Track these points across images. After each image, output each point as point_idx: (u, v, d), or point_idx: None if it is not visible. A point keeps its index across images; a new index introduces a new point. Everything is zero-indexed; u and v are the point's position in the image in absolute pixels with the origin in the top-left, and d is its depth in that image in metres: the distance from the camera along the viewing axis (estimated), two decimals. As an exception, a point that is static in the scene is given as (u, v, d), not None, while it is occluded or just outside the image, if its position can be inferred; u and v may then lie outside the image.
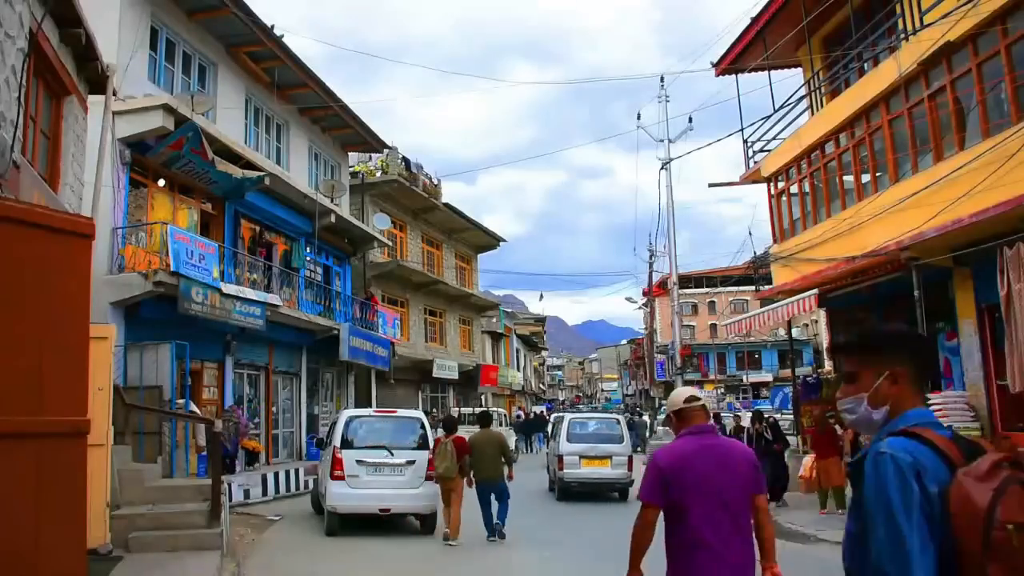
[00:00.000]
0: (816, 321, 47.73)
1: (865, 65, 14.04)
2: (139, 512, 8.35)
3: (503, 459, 10.31)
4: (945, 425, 1.90)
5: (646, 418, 35.58)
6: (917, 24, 11.70)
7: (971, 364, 11.70)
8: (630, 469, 14.76)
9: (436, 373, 28.02)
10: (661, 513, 3.27)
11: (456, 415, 20.47)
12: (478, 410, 20.46)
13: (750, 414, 17.45)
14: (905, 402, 1.86)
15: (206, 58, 16.19)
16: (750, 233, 22.96)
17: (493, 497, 10.16)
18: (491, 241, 35.10)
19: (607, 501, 14.82)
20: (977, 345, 11.56)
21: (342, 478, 10.25)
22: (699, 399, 3.51)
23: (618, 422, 16.52)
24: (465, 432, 11.24)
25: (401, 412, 12.43)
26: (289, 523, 11.60)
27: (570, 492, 14.69)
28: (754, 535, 3.29)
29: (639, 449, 33.17)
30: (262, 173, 15.14)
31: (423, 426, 11.14)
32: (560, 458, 14.70)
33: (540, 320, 63.11)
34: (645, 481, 3.33)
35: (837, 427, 12.58)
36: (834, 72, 14.76)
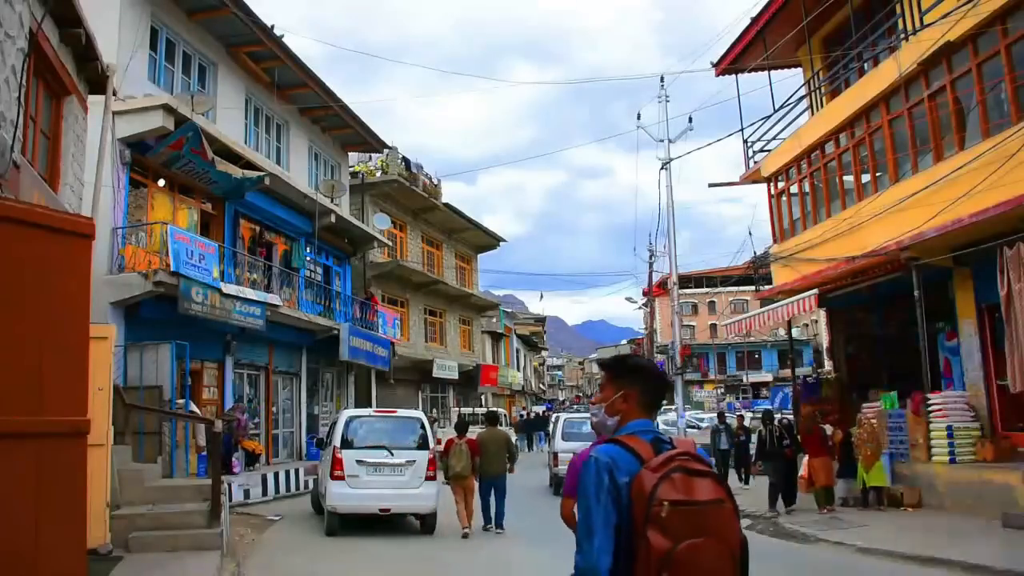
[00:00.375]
0: (816, 321, 47.74)
1: (865, 65, 14.04)
2: (139, 512, 8.34)
3: (507, 456, 11.02)
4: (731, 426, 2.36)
5: None
6: (917, 24, 11.70)
7: (971, 364, 11.70)
8: None
9: (436, 373, 28.02)
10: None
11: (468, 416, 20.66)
12: (485, 410, 20.89)
13: (740, 414, 17.40)
14: (631, 415, 2.40)
15: (206, 58, 16.19)
16: (750, 233, 22.87)
17: (493, 491, 10.86)
18: (491, 241, 35.10)
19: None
20: (977, 345, 11.56)
21: (342, 478, 10.24)
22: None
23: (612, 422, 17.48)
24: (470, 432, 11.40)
25: (401, 412, 12.42)
26: (289, 523, 11.60)
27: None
28: None
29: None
30: (262, 173, 15.14)
31: (423, 426, 11.14)
32: (555, 455, 15.43)
33: (540, 320, 63.13)
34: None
35: (827, 427, 12.60)
36: (834, 72, 14.76)
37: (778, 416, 15.25)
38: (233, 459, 13.76)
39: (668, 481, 2.07)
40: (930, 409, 11.46)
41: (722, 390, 56.35)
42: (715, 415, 21.97)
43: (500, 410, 29.12)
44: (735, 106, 16.99)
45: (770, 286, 17.28)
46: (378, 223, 23.48)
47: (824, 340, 33.81)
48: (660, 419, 34.34)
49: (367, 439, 10.74)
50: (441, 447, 11.35)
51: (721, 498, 2.15)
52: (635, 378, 2.45)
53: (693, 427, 29.41)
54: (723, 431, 16.80)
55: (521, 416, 37.65)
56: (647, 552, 2.04)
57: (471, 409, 26.65)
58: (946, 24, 10.54)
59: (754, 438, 19.70)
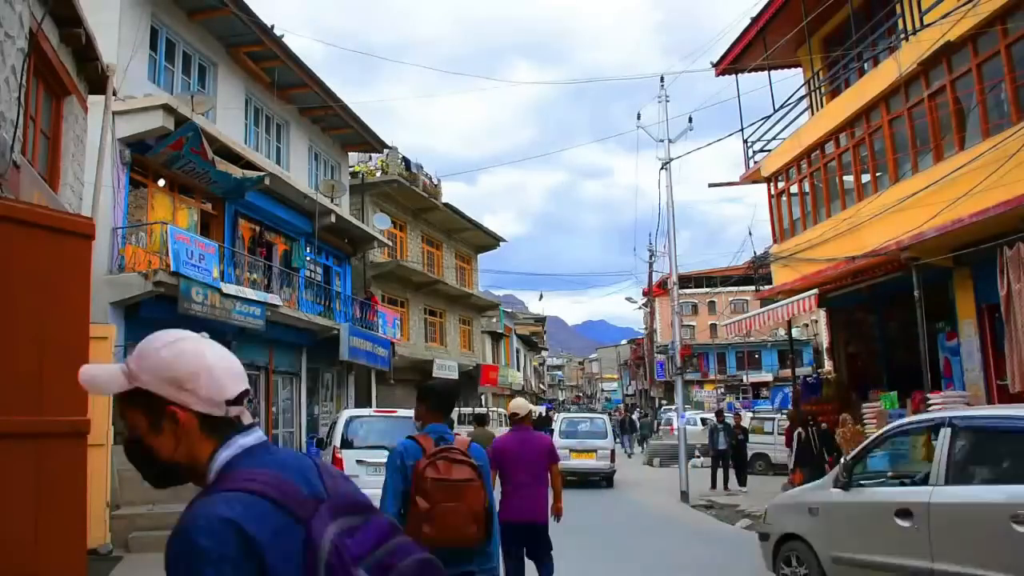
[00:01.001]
0: (816, 321, 47.70)
1: (865, 65, 14.04)
2: (139, 512, 8.35)
3: None
4: None
5: (634, 418, 36.08)
6: (917, 24, 11.69)
7: (971, 364, 11.70)
8: (612, 461, 17.67)
9: (436, 373, 27.99)
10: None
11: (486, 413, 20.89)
12: (477, 410, 20.99)
13: (738, 413, 17.30)
14: (428, 421, 3.59)
15: (206, 58, 16.19)
16: (750, 233, 22.93)
17: None
18: (491, 241, 35.10)
19: (594, 487, 17.25)
20: (977, 345, 11.56)
21: (342, 478, 10.22)
22: (519, 413, 5.81)
23: (604, 421, 19.06)
24: (463, 431, 11.48)
25: (401, 412, 12.41)
26: (289, 523, 11.58)
27: (563, 482, 15.37)
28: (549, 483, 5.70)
29: (642, 447, 33.28)
30: (262, 173, 15.14)
31: (423, 426, 11.13)
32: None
33: (540, 320, 63.12)
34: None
35: (823, 424, 12.67)
36: (834, 72, 14.76)
37: (816, 418, 13.96)
38: None
39: (432, 465, 3.31)
40: (930, 409, 11.46)
41: (722, 390, 56.30)
42: (713, 414, 21.88)
43: (500, 410, 29.21)
44: (735, 106, 17.01)
45: (770, 286, 17.27)
46: (378, 223, 23.47)
47: (824, 340, 33.80)
48: (663, 417, 34.26)
49: (367, 439, 10.74)
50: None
51: (471, 478, 3.34)
52: (426, 397, 3.68)
53: (693, 426, 29.42)
54: (721, 430, 16.62)
55: (536, 415, 38.56)
56: (415, 510, 3.27)
57: (471, 409, 26.65)
58: (946, 24, 10.53)
59: (771, 439, 19.54)
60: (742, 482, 16.05)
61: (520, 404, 5.88)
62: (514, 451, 5.56)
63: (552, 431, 17.78)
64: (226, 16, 15.32)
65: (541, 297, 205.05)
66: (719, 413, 19.11)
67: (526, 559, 5.50)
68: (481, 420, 12.14)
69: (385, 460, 10.99)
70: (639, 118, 18.16)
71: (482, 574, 3.52)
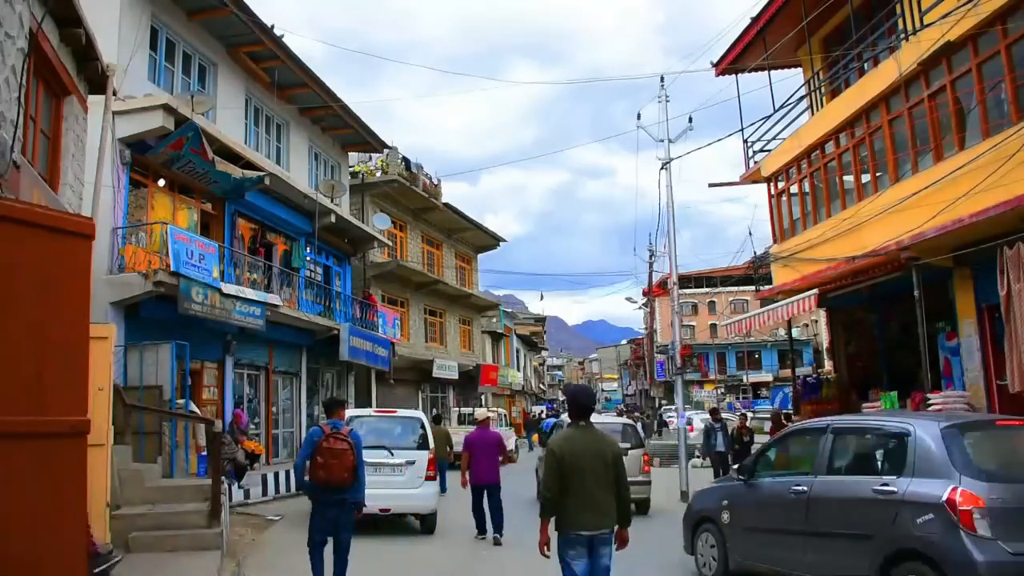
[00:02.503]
0: (816, 321, 47.73)
1: (865, 65, 14.03)
2: (139, 512, 8.34)
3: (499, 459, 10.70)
4: None
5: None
6: (917, 24, 11.68)
7: (971, 364, 11.69)
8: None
9: (436, 373, 28.01)
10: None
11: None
12: (435, 412, 22.62)
13: (743, 413, 16.64)
14: (333, 417, 7.12)
15: (206, 58, 16.19)
16: (750, 233, 23.00)
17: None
18: (491, 241, 35.10)
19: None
20: (977, 345, 11.55)
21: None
22: (488, 416, 11.52)
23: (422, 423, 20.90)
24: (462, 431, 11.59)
25: (401, 412, 12.43)
26: (289, 523, 11.59)
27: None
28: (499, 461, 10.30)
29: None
30: (262, 173, 15.15)
31: (423, 426, 11.15)
32: None
33: (540, 320, 63.14)
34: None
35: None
36: (834, 72, 14.75)
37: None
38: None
39: (327, 440, 6.53)
40: (930, 409, 11.45)
41: (722, 390, 56.33)
42: (708, 411, 20.58)
43: (500, 410, 29.25)
44: (735, 106, 16.99)
45: (770, 286, 17.26)
46: (378, 223, 23.48)
47: (824, 340, 33.81)
48: (664, 416, 34.20)
49: (367, 439, 10.68)
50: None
51: (346, 449, 6.50)
52: (329, 404, 7.25)
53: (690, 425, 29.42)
54: (718, 431, 15.61)
55: (534, 415, 42.37)
56: (316, 464, 6.50)
57: (471, 409, 26.68)
58: (946, 24, 10.53)
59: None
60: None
61: (481, 413, 11.71)
62: (477, 440, 10.41)
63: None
64: (226, 16, 15.33)
65: (541, 297, 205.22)
66: (714, 411, 18.34)
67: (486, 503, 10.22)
68: (437, 419, 14.42)
69: (385, 460, 10.82)
70: (639, 118, 18.15)
71: (351, 500, 6.71)
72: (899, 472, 5.79)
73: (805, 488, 6.48)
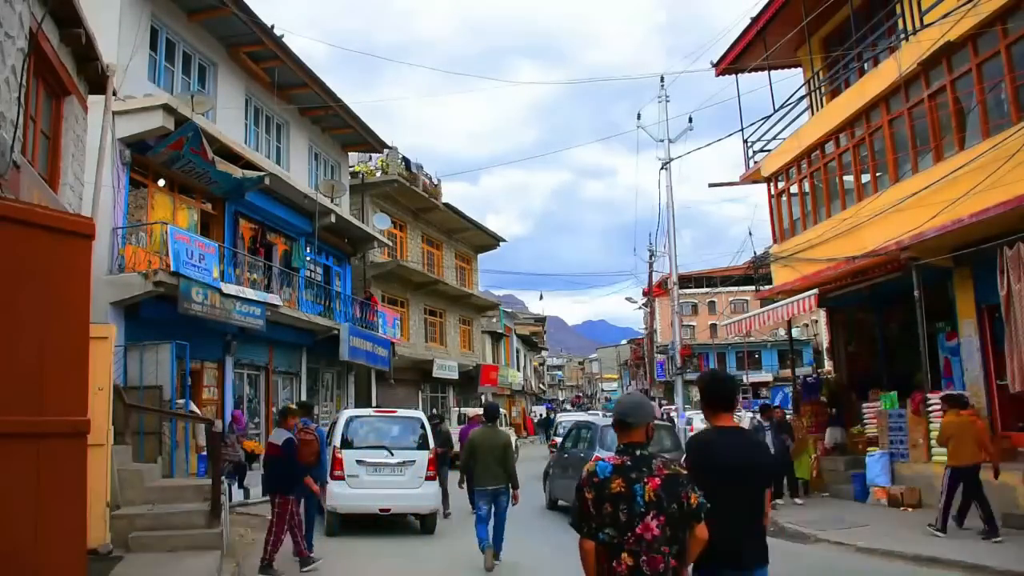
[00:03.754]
0: (816, 321, 47.70)
1: (865, 65, 14.03)
2: (139, 512, 8.34)
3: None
4: None
5: None
6: (917, 24, 11.69)
7: (971, 364, 11.69)
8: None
9: (436, 373, 28.00)
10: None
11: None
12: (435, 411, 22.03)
13: (778, 406, 14.88)
14: (298, 419, 9.09)
15: (206, 58, 16.19)
16: (750, 233, 23.00)
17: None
18: (491, 241, 35.09)
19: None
20: (977, 345, 11.56)
21: (342, 478, 10.26)
22: (468, 415, 15.47)
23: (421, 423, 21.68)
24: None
25: (401, 412, 12.42)
26: (289, 523, 11.57)
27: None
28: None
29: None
30: (262, 173, 15.15)
31: (423, 426, 11.15)
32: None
33: (540, 320, 63.12)
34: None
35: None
36: (834, 72, 14.75)
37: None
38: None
39: (298, 434, 8.62)
40: (930, 409, 11.45)
41: (722, 390, 56.13)
42: (758, 411, 15.55)
43: (500, 410, 29.22)
44: (735, 106, 16.99)
45: (770, 286, 17.27)
46: (378, 223, 23.48)
47: (824, 340, 33.81)
48: (661, 411, 34.69)
49: (367, 439, 10.74)
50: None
51: (312, 439, 8.97)
52: (292, 410, 8.95)
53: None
54: (767, 430, 12.53)
55: (542, 415, 45.35)
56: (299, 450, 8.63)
57: (471, 409, 26.68)
58: (946, 24, 10.53)
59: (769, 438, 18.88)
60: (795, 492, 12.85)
61: (472, 411, 11.11)
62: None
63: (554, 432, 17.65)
64: (226, 16, 15.33)
65: (541, 297, 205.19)
66: (765, 408, 14.16)
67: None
68: (492, 416, 14.00)
69: (385, 460, 10.80)
70: (639, 118, 18.17)
71: (318, 476, 9.04)
72: (591, 446, 11.81)
73: (582, 455, 11.51)
